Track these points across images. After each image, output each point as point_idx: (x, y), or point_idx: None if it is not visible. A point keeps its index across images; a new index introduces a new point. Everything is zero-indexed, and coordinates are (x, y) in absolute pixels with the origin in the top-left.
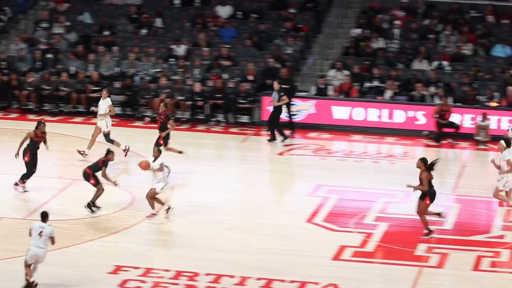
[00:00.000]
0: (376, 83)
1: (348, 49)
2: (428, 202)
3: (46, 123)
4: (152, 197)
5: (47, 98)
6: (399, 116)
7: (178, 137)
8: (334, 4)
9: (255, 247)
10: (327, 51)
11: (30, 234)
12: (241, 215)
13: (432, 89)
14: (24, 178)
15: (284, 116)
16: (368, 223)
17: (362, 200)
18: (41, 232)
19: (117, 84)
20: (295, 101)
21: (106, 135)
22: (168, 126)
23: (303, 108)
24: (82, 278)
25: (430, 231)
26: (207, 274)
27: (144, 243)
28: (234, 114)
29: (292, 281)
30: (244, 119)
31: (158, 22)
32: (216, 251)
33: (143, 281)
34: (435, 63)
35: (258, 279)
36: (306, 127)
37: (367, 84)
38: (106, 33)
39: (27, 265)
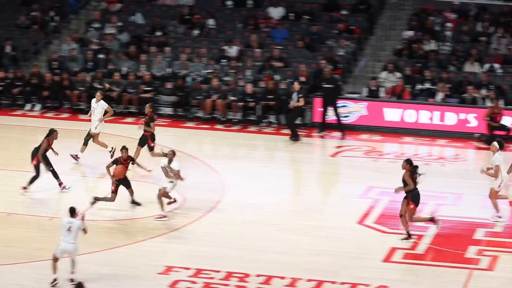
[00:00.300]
0: (427, 85)
1: (400, 51)
2: (412, 206)
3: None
4: (164, 196)
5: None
6: (451, 118)
7: (230, 138)
8: (387, 6)
9: (305, 249)
10: (379, 53)
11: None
12: (292, 216)
13: (484, 92)
14: (31, 183)
15: (332, 117)
16: (419, 225)
17: None
18: (70, 227)
19: (169, 85)
20: (346, 102)
21: (88, 135)
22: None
23: (355, 110)
24: (133, 278)
25: (409, 236)
26: (258, 275)
27: (195, 244)
28: (285, 115)
29: (342, 283)
30: (296, 120)
31: (210, 23)
32: (266, 252)
33: (193, 282)
34: (487, 66)
35: (309, 280)
36: (358, 129)
37: (419, 86)
38: (158, 33)
39: (55, 259)
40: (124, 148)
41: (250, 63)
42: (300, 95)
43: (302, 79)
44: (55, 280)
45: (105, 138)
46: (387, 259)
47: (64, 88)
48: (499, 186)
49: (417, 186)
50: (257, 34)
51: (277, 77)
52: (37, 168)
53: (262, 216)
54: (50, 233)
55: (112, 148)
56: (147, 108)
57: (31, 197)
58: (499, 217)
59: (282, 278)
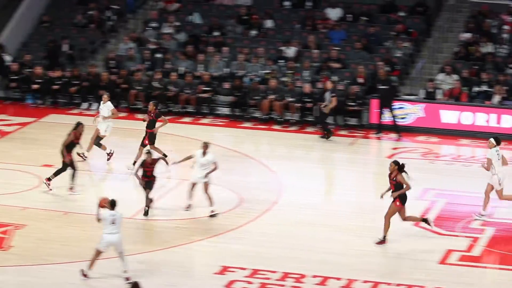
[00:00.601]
0: (484, 87)
1: (457, 53)
2: (398, 204)
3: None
4: (207, 191)
5: (156, 98)
6: (507, 121)
7: (287, 138)
8: (444, 8)
9: (361, 250)
10: (436, 55)
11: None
12: (348, 217)
13: None
14: (73, 180)
15: (388, 118)
16: (475, 227)
17: (469, 205)
18: (113, 220)
19: (226, 85)
20: (403, 104)
21: (98, 138)
22: (156, 125)
23: (412, 112)
24: (188, 278)
25: (384, 240)
26: (314, 276)
27: (251, 244)
28: (343, 116)
29: (398, 285)
30: (353, 121)
31: (268, 24)
32: (322, 253)
33: (249, 282)
34: None
35: (365, 281)
36: (415, 131)
37: (476, 89)
38: (216, 33)
39: (98, 253)
40: (149, 152)
41: (308, 64)
42: (333, 94)
43: (360, 80)
44: (86, 275)
45: (162, 138)
46: (443, 261)
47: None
48: (499, 183)
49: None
50: (315, 35)
51: (334, 78)
52: (71, 164)
53: (318, 217)
54: (131, 231)
55: (111, 150)
56: (151, 106)
57: (87, 196)
58: (482, 215)
59: (338, 279)
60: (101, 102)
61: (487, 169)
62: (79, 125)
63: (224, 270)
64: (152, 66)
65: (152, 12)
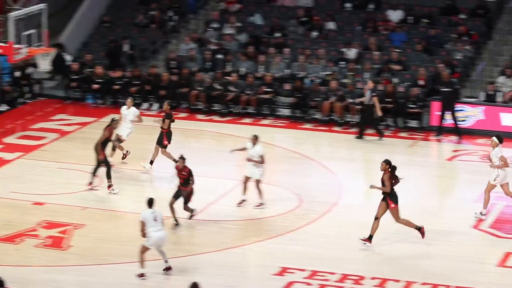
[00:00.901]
0: None
1: None
2: (393, 205)
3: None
4: (258, 186)
5: (216, 98)
6: None
7: (347, 140)
8: (505, 11)
9: (420, 252)
10: (497, 58)
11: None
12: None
13: None
14: (109, 178)
15: (448, 121)
16: None
17: None
18: (155, 217)
19: (287, 86)
20: (463, 107)
21: (118, 140)
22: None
23: (472, 114)
24: (247, 279)
25: (370, 238)
26: (372, 278)
27: (310, 245)
28: (403, 118)
29: (457, 287)
30: (413, 123)
31: (330, 25)
32: (381, 254)
33: (308, 284)
34: None
35: (423, 284)
36: (475, 133)
37: None
38: (277, 34)
39: (144, 251)
40: (181, 158)
41: (369, 65)
42: (374, 94)
43: (421, 82)
44: (142, 275)
45: (222, 138)
46: (501, 264)
47: (182, 87)
48: (495, 180)
49: (393, 188)
50: (375, 37)
51: (395, 80)
52: (105, 161)
53: None
54: (190, 231)
55: (127, 151)
56: (165, 106)
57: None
58: (483, 214)
59: (397, 281)
60: (125, 107)
61: (506, 166)
62: (113, 121)
63: (283, 271)
64: (213, 67)
65: (214, 13)
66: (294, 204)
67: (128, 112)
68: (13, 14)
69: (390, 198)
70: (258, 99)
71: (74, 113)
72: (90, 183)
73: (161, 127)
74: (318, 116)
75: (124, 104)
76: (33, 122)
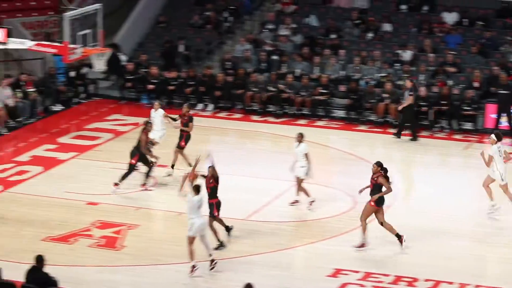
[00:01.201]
0: None
1: None
2: (372, 203)
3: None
4: (300, 185)
5: (271, 99)
6: None
7: (402, 142)
8: None
9: (474, 254)
10: None
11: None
12: (462, 221)
13: None
14: (124, 178)
15: (504, 123)
16: None
17: None
18: (200, 204)
19: (342, 88)
20: None
21: (151, 143)
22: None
23: None
24: (301, 280)
25: (363, 244)
26: (426, 280)
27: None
28: (458, 120)
29: None
30: (468, 126)
31: (385, 27)
32: (435, 257)
33: (362, 285)
34: None
35: (477, 286)
36: None
37: None
38: (332, 36)
39: (192, 241)
40: (212, 167)
41: (424, 67)
42: (411, 93)
43: (476, 84)
44: (194, 267)
45: (277, 140)
46: None
47: (236, 88)
48: (502, 179)
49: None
50: (431, 39)
51: (450, 82)
52: (132, 167)
53: (432, 221)
54: (243, 232)
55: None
56: (185, 108)
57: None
58: (492, 206)
59: (450, 283)
60: (153, 110)
61: (487, 165)
62: (147, 124)
63: (337, 272)
64: (268, 68)
65: (269, 14)
66: (348, 205)
67: (156, 114)
68: (68, 14)
69: (376, 199)
70: (313, 101)
71: (129, 113)
72: (144, 184)
73: (184, 131)
74: (373, 118)
75: (182, 104)
76: (88, 122)
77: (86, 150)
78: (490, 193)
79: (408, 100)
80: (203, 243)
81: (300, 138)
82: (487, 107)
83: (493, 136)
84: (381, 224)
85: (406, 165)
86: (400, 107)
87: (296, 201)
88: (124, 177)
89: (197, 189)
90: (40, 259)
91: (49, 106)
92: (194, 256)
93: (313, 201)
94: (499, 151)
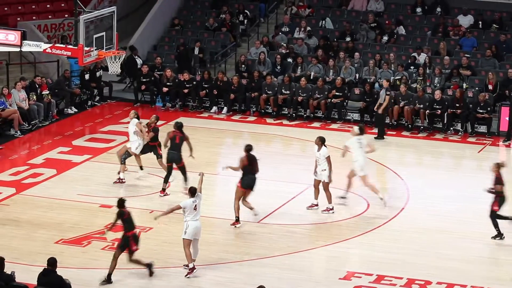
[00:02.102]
0: None
1: None
2: (238, 184)
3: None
4: (327, 189)
5: (285, 102)
6: None
7: (416, 145)
8: None
9: (488, 257)
10: None
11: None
12: (474, 224)
13: None
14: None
15: None
16: None
17: None
18: (195, 206)
19: (357, 91)
20: None
21: (127, 154)
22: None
23: None
24: (314, 283)
25: (238, 220)
26: (438, 283)
27: (377, 250)
28: (472, 123)
29: None
30: (482, 129)
31: (400, 30)
32: (448, 259)
33: None
34: None
35: None
36: None
37: None
38: (347, 39)
39: (189, 244)
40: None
41: (439, 70)
42: (388, 93)
43: (490, 87)
44: (194, 268)
45: (288, 142)
46: None
47: (251, 91)
48: (361, 170)
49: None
50: (445, 42)
51: (464, 85)
52: (183, 169)
53: (445, 224)
54: (233, 235)
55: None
56: (152, 119)
57: (215, 200)
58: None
59: (464, 286)
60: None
61: (342, 155)
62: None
63: (350, 275)
64: (282, 71)
65: (284, 17)
66: (361, 208)
67: (130, 124)
68: (83, 17)
69: (241, 179)
70: (327, 103)
71: (143, 116)
72: (163, 190)
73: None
74: (387, 121)
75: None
76: (102, 125)
77: (100, 152)
78: (349, 185)
79: (386, 100)
80: (193, 246)
81: (320, 142)
82: (502, 110)
83: (355, 128)
84: (244, 204)
85: (419, 167)
86: (380, 109)
87: (314, 205)
88: (166, 179)
89: (192, 192)
90: (52, 262)
91: (63, 108)
92: (191, 258)
93: (331, 209)
94: (359, 143)
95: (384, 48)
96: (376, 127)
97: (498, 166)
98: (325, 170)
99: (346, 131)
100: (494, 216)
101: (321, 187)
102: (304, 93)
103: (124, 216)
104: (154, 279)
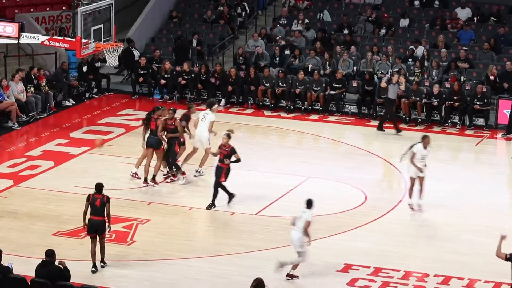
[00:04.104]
0: None
1: None
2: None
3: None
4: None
5: (283, 94)
6: None
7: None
8: None
9: (485, 250)
10: None
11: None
12: (473, 217)
13: None
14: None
15: None
16: None
17: None
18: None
19: (355, 83)
20: None
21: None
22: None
23: None
24: (312, 275)
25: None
26: (436, 275)
27: (375, 242)
28: (470, 116)
29: None
30: (480, 121)
31: (401, 23)
32: (446, 252)
33: (372, 280)
34: None
35: (486, 282)
36: None
37: None
38: (345, 31)
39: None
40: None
41: (436, 63)
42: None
43: (492, 78)
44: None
45: (286, 134)
46: None
47: (249, 83)
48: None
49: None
50: (443, 35)
51: (462, 78)
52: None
53: (443, 216)
54: (230, 228)
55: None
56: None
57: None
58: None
59: (461, 279)
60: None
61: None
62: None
63: (347, 268)
64: (280, 63)
65: (282, 9)
66: (359, 201)
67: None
68: (81, 9)
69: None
70: (325, 96)
71: (141, 108)
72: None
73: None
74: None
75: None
76: (100, 117)
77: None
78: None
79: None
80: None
81: (426, 141)
82: (500, 103)
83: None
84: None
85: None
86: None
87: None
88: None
89: (308, 204)
90: (50, 253)
91: (61, 101)
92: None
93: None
94: (203, 116)
95: (382, 40)
96: (388, 120)
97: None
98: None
99: (343, 124)
100: (220, 186)
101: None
102: (302, 86)
103: (88, 199)
104: (150, 271)
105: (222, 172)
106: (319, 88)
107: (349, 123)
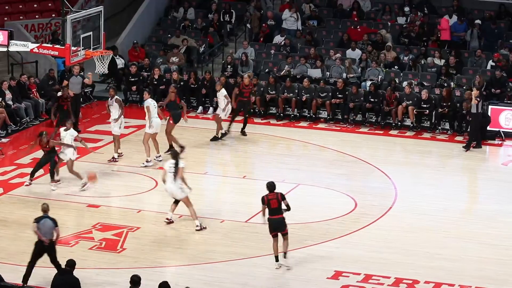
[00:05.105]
0: None
1: None
2: (171, 122)
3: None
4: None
5: (272, 101)
6: None
7: (403, 144)
8: None
9: (475, 256)
10: None
11: None
12: (462, 223)
13: None
14: None
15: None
16: None
17: None
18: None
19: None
20: None
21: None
22: None
23: None
24: (302, 282)
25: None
26: (426, 282)
27: (365, 249)
28: (460, 122)
29: None
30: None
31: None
32: (436, 258)
33: (362, 287)
34: None
35: None
36: None
37: None
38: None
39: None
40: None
41: (426, 69)
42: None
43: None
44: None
45: (276, 141)
46: None
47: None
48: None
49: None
50: (432, 41)
51: (452, 84)
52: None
53: (433, 223)
54: (220, 235)
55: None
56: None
57: (203, 199)
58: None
59: (451, 285)
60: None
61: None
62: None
63: (338, 274)
64: (269, 71)
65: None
66: (349, 207)
67: (66, 134)
68: (70, 16)
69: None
70: (317, 104)
71: (131, 115)
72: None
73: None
74: (373, 119)
75: None
76: (89, 124)
77: (87, 152)
78: (148, 150)
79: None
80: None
81: None
82: (490, 109)
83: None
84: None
85: (407, 166)
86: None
87: None
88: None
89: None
90: (72, 264)
91: (50, 108)
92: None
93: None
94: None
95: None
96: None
97: None
98: None
99: (332, 131)
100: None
101: None
102: (308, 94)
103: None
104: (142, 279)
105: None
106: (309, 95)
107: (338, 130)
